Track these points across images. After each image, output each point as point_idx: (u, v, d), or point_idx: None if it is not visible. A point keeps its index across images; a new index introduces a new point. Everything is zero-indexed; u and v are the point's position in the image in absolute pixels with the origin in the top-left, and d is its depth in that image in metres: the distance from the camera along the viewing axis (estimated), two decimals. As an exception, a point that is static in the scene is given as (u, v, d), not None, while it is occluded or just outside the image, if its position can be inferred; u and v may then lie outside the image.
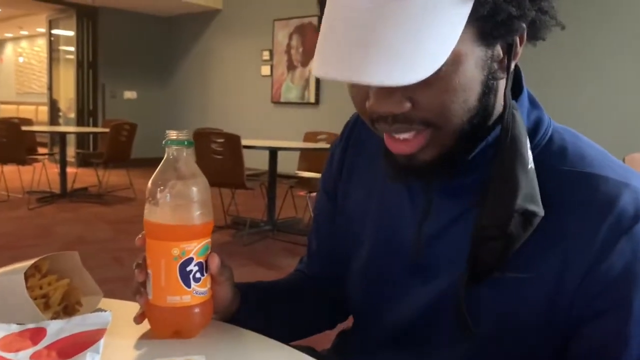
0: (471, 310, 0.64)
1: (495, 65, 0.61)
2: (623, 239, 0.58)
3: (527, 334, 0.64)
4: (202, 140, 4.15)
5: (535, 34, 0.62)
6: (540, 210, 0.59)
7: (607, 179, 0.61)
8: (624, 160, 2.39)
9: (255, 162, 5.31)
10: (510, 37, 0.59)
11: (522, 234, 0.60)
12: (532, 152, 0.62)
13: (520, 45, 0.61)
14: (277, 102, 7.95)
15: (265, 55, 8.02)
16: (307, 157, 5.17)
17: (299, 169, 5.14)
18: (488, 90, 0.61)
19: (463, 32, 0.54)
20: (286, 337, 0.87)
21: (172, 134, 0.67)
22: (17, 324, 0.64)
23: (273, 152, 4.59)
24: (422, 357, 0.72)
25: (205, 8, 8.54)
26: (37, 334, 0.63)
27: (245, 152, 4.06)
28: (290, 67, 7.73)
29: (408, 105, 0.58)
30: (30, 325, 0.64)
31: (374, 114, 0.61)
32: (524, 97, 0.68)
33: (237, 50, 8.48)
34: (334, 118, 7.11)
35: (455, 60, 0.55)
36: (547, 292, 0.62)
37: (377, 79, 0.52)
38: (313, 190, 4.39)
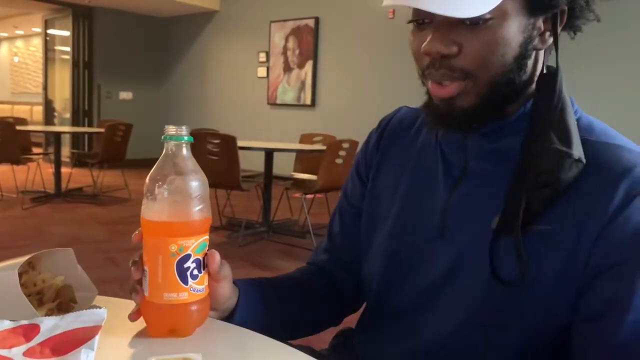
0: (496, 261, 0.68)
1: (535, 34, 0.68)
2: (638, 198, 0.63)
3: (545, 287, 0.67)
4: (198, 141, 4.13)
5: (573, 22, 0.70)
6: (584, 157, 0.65)
7: (630, 150, 0.67)
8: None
9: (251, 163, 5.31)
10: (550, 10, 0.67)
11: (570, 178, 0.65)
12: None
13: (560, 25, 0.69)
14: (273, 103, 7.95)
15: (262, 56, 8.03)
16: (303, 159, 5.17)
17: (295, 171, 5.14)
18: (524, 53, 0.68)
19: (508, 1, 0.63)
20: (286, 335, 0.86)
21: (171, 129, 0.66)
22: (10, 320, 0.63)
23: (269, 154, 4.59)
24: (439, 319, 0.75)
25: (202, 9, 8.53)
26: (30, 331, 0.62)
27: (241, 153, 4.05)
28: (287, 69, 7.74)
29: (455, 49, 0.66)
30: (24, 322, 0.63)
31: (428, 54, 0.68)
32: (561, 73, 0.73)
33: (233, 52, 8.48)
34: (329, 120, 7.13)
35: (501, 16, 0.64)
36: (567, 246, 0.66)
37: (440, 9, 0.61)
38: (308, 192, 4.39)
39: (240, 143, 4.09)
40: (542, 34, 0.69)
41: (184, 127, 0.66)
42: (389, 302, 0.81)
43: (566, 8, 0.68)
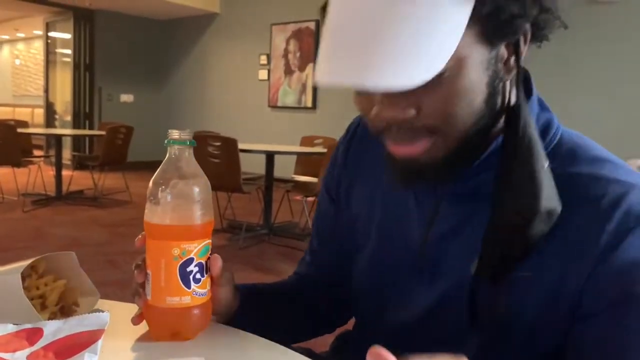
0: (477, 308, 0.64)
1: (500, 66, 0.60)
2: (630, 235, 0.58)
3: (526, 335, 0.64)
4: (199, 144, 4.10)
5: (539, 34, 0.61)
6: (559, 206, 0.60)
7: (616, 180, 0.61)
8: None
9: (252, 165, 5.31)
10: (513, 36, 0.58)
11: (542, 232, 0.60)
12: None
13: (525, 44, 0.61)
14: (274, 106, 7.95)
15: (263, 59, 8.03)
16: (304, 162, 5.17)
17: (296, 173, 5.14)
18: (494, 91, 0.60)
19: (465, 34, 0.53)
20: (286, 339, 0.86)
21: (175, 134, 0.66)
22: (14, 324, 0.64)
23: (270, 156, 4.59)
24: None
25: (203, 12, 8.54)
26: (33, 335, 0.62)
27: (242, 155, 4.06)
28: (288, 71, 7.74)
29: (412, 111, 0.58)
30: (27, 326, 0.63)
31: (379, 122, 0.60)
32: (534, 100, 0.68)
33: (234, 55, 8.48)
34: (330, 123, 7.12)
35: (458, 64, 0.55)
36: (550, 290, 0.62)
37: (381, 83, 0.51)
38: (309, 194, 4.39)
39: (241, 145, 4.09)
40: (506, 62, 0.61)
41: (187, 131, 0.66)
42: (373, 331, 0.80)
43: (529, 25, 0.59)
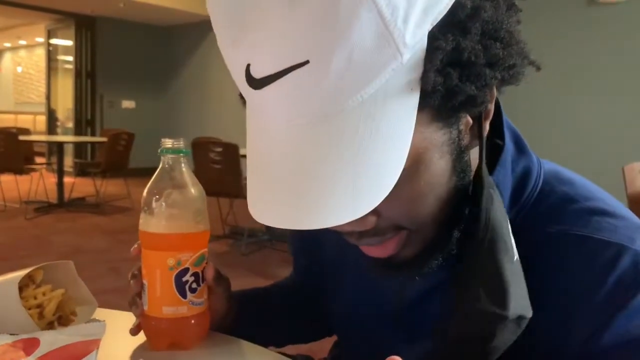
0: None
1: (466, 139, 0.51)
2: (621, 314, 0.50)
3: None
4: (200, 150, 4.15)
5: (507, 84, 0.51)
6: (529, 312, 0.50)
7: (604, 242, 0.52)
8: (622, 171, 2.37)
9: (253, 171, 5.30)
10: (476, 109, 0.49)
11: (510, 341, 0.51)
12: (519, 212, 0.57)
13: (491, 103, 0.51)
14: (275, 111, 7.96)
15: (264, 64, 8.04)
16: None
17: (297, 178, 5.13)
18: (463, 170, 0.52)
19: (416, 125, 0.44)
20: (285, 342, 0.86)
21: (168, 143, 0.66)
22: (10, 334, 0.64)
23: (271, 162, 4.58)
24: None
25: (204, 18, 8.56)
26: (30, 345, 0.62)
27: (243, 161, 4.06)
28: (288, 76, 7.74)
29: (372, 219, 0.50)
30: (24, 336, 0.63)
31: (338, 232, 0.52)
32: (506, 150, 0.58)
33: (235, 60, 8.50)
34: (332, 127, 7.12)
35: (414, 162, 0.46)
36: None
37: (327, 221, 0.42)
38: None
39: (242, 151, 4.09)
40: (472, 127, 0.51)
41: (181, 140, 0.66)
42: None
43: (495, 88, 0.50)
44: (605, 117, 5.11)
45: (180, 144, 0.66)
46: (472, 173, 0.54)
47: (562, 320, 0.53)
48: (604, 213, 0.55)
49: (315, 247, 0.80)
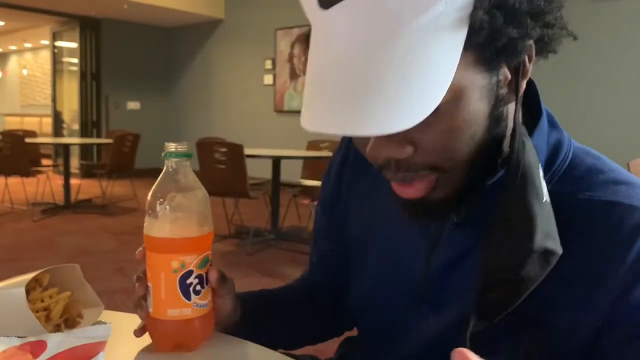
0: (480, 348, 0.60)
1: (503, 90, 0.55)
2: None
3: None
4: (205, 150, 4.16)
5: (545, 49, 0.56)
6: (559, 248, 0.54)
7: (632, 207, 0.56)
8: (628, 167, 2.37)
9: (259, 170, 5.32)
10: (516, 59, 0.53)
11: (539, 275, 0.54)
12: (551, 179, 0.60)
13: (530, 62, 0.56)
14: (280, 110, 7.97)
15: (268, 64, 8.05)
16: (311, 166, 5.18)
17: (303, 177, 5.15)
18: (498, 118, 0.56)
19: (460, 63, 0.49)
20: (290, 346, 0.86)
21: (171, 147, 0.66)
22: (18, 337, 0.64)
23: (276, 161, 4.60)
24: None
25: (207, 18, 8.58)
26: (37, 347, 0.63)
27: (248, 161, 4.07)
28: (293, 75, 7.76)
29: (410, 149, 0.54)
30: (31, 339, 0.64)
31: (375, 161, 0.57)
32: (544, 119, 0.63)
33: (239, 60, 8.51)
34: (336, 126, 7.12)
35: (455, 96, 0.50)
36: (565, 332, 0.58)
37: (371, 129, 0.47)
38: (316, 198, 4.38)
39: (247, 151, 4.10)
40: (510, 83, 0.56)
41: (184, 144, 0.67)
42: (378, 353, 0.78)
43: (533, 42, 0.54)
44: (610, 113, 5.09)
45: (184, 147, 0.66)
46: (507, 128, 0.58)
47: (592, 280, 0.56)
48: (629, 183, 0.59)
49: (341, 228, 0.83)
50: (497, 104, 0.55)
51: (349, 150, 0.83)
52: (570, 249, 0.55)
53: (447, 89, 0.47)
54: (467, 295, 0.60)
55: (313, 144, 5.50)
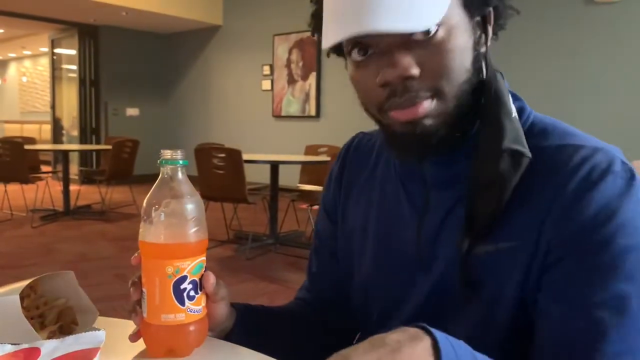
0: (470, 280, 0.68)
1: (478, 35, 0.68)
2: (594, 188, 0.62)
3: (518, 305, 0.66)
4: (203, 156, 4.17)
5: (498, 17, 0.70)
6: (526, 151, 0.65)
7: (584, 146, 0.65)
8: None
9: (257, 176, 5.33)
10: (485, 8, 0.68)
11: (512, 174, 0.65)
12: None
13: (490, 25, 0.70)
14: (278, 116, 7.98)
15: (266, 69, 8.07)
16: (309, 170, 5.19)
17: (301, 182, 5.15)
18: (477, 56, 0.68)
19: (451, 6, 0.62)
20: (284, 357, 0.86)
21: (167, 154, 0.67)
22: (12, 344, 0.65)
23: (274, 166, 4.61)
24: None
25: (205, 24, 8.60)
26: (31, 354, 0.63)
27: (246, 166, 4.07)
28: (291, 81, 7.77)
29: (416, 69, 0.63)
30: (25, 345, 0.64)
31: (388, 83, 0.64)
32: (507, 85, 0.73)
33: (237, 66, 8.53)
34: (334, 131, 7.14)
35: (447, 27, 0.63)
36: (529, 252, 0.65)
37: (392, 26, 0.58)
38: (315, 203, 4.40)
39: (245, 156, 4.10)
40: (479, 36, 0.69)
41: (179, 151, 0.67)
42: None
43: (492, 10, 0.69)
44: (607, 116, 5.09)
45: (178, 155, 0.67)
46: (483, 69, 0.70)
47: (541, 210, 0.64)
48: (581, 134, 0.69)
49: (341, 233, 0.89)
50: (476, 43, 0.68)
51: (347, 157, 0.91)
52: (532, 187, 0.65)
53: (446, 9, 0.61)
54: (453, 251, 0.70)
55: (311, 149, 5.50)
